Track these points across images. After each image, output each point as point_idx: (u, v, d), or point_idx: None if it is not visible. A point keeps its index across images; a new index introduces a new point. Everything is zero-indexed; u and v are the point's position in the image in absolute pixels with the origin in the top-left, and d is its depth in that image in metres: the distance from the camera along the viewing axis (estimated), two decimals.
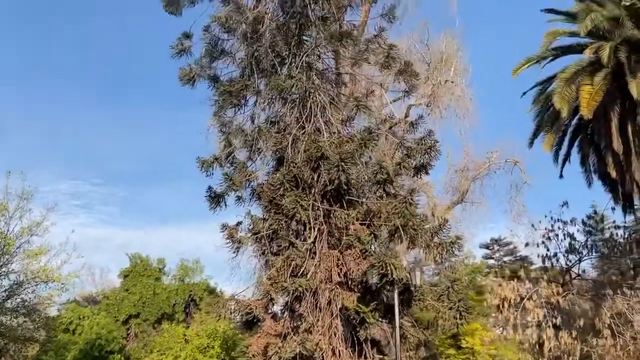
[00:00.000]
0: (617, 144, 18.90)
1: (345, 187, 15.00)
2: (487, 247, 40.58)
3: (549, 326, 20.59)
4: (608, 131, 19.36)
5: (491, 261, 40.47)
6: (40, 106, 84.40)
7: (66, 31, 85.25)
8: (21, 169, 23.37)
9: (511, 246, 39.41)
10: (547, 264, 24.55)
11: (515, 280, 22.70)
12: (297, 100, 16.32)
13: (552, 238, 24.34)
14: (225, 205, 16.84)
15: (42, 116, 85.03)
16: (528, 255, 31.86)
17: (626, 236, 23.67)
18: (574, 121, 22.22)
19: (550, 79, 22.32)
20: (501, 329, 27.20)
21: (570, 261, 24.47)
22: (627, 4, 19.70)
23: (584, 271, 25.53)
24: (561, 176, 23.30)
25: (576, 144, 22.89)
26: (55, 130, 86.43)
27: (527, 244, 24.62)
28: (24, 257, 21.69)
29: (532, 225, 24.61)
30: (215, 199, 16.73)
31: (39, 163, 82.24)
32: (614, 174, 19.65)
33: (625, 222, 23.40)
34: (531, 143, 23.03)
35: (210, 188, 16.72)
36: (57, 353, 31.95)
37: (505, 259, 40.73)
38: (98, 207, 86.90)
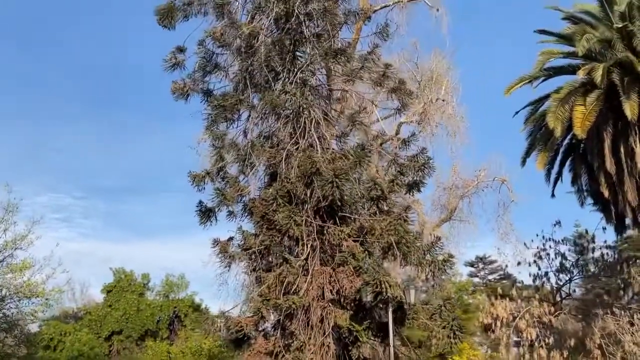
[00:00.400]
0: (610, 164, 19.11)
1: (339, 204, 14.87)
2: (471, 265, 40.62)
3: (541, 346, 20.54)
4: (601, 151, 19.60)
5: (476, 279, 40.48)
6: (20, 118, 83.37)
7: (50, 43, 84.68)
8: (5, 182, 22.70)
9: (496, 264, 39.48)
10: (538, 282, 24.63)
11: (507, 299, 22.71)
12: (291, 115, 16.28)
13: (543, 257, 24.47)
14: (216, 220, 16.64)
15: (22, 128, 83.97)
16: (512, 274, 31.83)
17: (616, 256, 23.85)
18: (566, 141, 22.50)
19: (542, 99, 22.65)
20: (486, 347, 27.09)
21: (560, 280, 24.57)
22: (619, 25, 20.12)
23: (574, 291, 25.66)
24: (553, 195, 23.54)
25: (568, 163, 23.15)
26: (35, 142, 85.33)
27: (519, 263, 24.70)
28: (7, 272, 21.13)
29: (525, 244, 24.73)
30: (206, 213, 16.52)
31: (18, 175, 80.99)
32: (606, 194, 19.84)
33: (617, 242, 23.61)
34: (524, 162, 23.24)
35: (201, 202, 16.52)
36: None
37: (490, 277, 40.77)
38: (79, 221, 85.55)
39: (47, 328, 33.68)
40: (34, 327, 28.80)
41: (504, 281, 34.06)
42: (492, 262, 40.22)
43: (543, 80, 22.40)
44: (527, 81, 22.07)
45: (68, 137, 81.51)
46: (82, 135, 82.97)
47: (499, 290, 23.75)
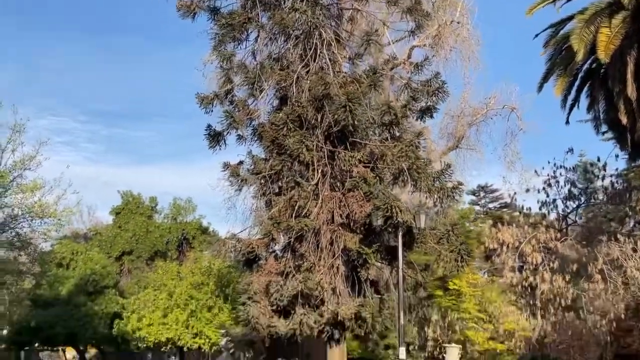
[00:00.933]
0: (631, 90, 18.53)
1: (351, 129, 14.63)
2: (473, 193, 40.93)
3: (545, 270, 21.02)
4: (623, 76, 18.92)
5: (477, 207, 40.92)
6: (20, 40, 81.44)
7: None
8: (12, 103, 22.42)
9: (497, 193, 39.75)
10: (545, 210, 24.85)
11: (513, 225, 22.97)
12: (301, 36, 15.70)
13: (552, 185, 24.49)
14: (225, 144, 16.48)
15: (23, 50, 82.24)
16: (514, 202, 31.92)
17: (625, 184, 23.86)
18: (586, 66, 21.76)
19: (564, 21, 21.63)
20: (484, 272, 27.76)
21: (568, 208, 24.76)
22: None
23: (581, 218, 25.89)
24: (567, 122, 23.11)
25: (585, 89, 22.55)
26: (37, 64, 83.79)
27: (527, 190, 24.74)
28: (17, 192, 21.32)
29: (535, 171, 24.61)
30: (215, 137, 16.33)
31: (18, 98, 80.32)
32: (624, 120, 19.41)
33: (627, 170, 23.50)
34: (540, 87, 22.54)
35: (209, 126, 16.29)
36: (51, 287, 32.31)
37: (490, 205, 41.17)
38: (83, 145, 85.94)
39: (59, 247, 34.57)
40: (46, 246, 29.55)
41: (504, 209, 34.43)
42: (493, 191, 40.51)
43: (567, 1, 21.29)
44: (550, 1, 20.99)
45: (66, 59, 79.94)
46: (80, 58, 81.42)
47: (505, 217, 23.96)
